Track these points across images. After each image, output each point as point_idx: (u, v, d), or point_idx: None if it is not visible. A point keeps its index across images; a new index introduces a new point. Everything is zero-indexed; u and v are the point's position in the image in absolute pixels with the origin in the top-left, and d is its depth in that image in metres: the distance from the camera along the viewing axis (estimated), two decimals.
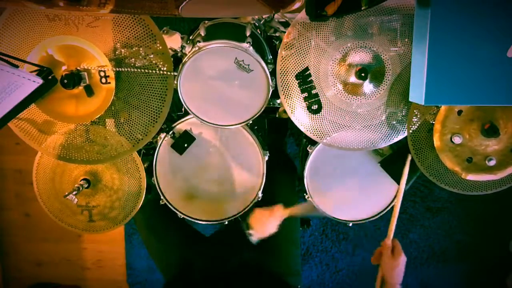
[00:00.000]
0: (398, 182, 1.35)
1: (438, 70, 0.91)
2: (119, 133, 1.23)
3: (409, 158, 1.26)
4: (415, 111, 1.20)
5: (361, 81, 1.17)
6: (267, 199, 1.42)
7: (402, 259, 1.20)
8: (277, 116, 1.72)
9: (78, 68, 1.07)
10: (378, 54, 1.16)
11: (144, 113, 1.19)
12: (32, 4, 0.94)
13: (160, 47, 1.15)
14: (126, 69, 1.14)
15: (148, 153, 1.52)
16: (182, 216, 1.40)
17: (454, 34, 0.89)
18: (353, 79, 1.17)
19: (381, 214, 1.43)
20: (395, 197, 1.42)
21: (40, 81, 0.96)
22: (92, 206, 1.39)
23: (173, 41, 1.51)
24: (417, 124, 1.21)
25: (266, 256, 1.39)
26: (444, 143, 1.17)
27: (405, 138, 1.25)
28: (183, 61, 1.20)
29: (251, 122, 1.27)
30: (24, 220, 2.46)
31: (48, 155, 1.28)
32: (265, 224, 1.27)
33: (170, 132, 1.33)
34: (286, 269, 1.42)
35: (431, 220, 2.29)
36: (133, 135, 1.22)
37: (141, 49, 1.14)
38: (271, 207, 1.31)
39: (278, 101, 1.36)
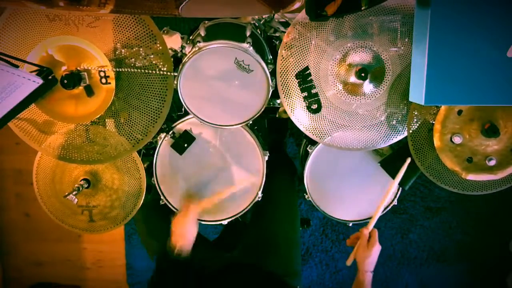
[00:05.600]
0: (398, 183, 1.35)
1: (438, 70, 0.91)
2: (119, 133, 1.23)
3: (408, 160, 1.26)
4: (415, 111, 1.20)
5: (361, 81, 1.17)
6: (267, 199, 1.43)
7: (376, 249, 1.22)
8: (277, 116, 1.72)
9: (78, 68, 1.07)
10: (378, 54, 1.16)
11: (144, 113, 1.19)
12: (32, 4, 0.94)
13: (160, 47, 1.15)
14: (126, 69, 1.14)
15: (148, 153, 1.52)
16: None
17: (454, 34, 0.89)
18: (353, 79, 1.17)
19: (381, 214, 1.43)
20: (394, 197, 1.43)
21: (40, 81, 0.96)
22: (92, 206, 1.39)
23: (173, 41, 1.51)
24: (417, 124, 1.21)
25: (266, 256, 1.39)
26: (444, 143, 1.17)
27: (405, 138, 1.25)
28: (183, 61, 1.20)
29: (251, 122, 1.27)
30: (24, 220, 2.46)
31: (48, 155, 1.28)
32: (184, 232, 1.25)
33: (170, 132, 1.33)
34: (286, 269, 1.42)
35: (431, 220, 2.29)
36: (133, 135, 1.22)
37: (141, 49, 1.14)
38: (180, 215, 1.28)
39: (278, 101, 1.36)
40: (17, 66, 0.98)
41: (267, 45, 1.49)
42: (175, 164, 1.38)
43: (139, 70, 1.15)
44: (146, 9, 0.94)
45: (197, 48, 1.19)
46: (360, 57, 1.16)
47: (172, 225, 1.28)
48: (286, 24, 1.56)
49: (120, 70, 1.13)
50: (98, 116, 1.13)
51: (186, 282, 1.23)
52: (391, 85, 1.19)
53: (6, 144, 2.36)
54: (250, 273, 1.34)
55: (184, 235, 1.26)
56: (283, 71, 1.20)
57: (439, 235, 2.31)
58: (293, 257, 1.48)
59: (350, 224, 1.48)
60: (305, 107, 1.23)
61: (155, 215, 1.50)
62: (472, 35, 0.89)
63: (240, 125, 1.27)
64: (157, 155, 1.36)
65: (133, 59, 1.15)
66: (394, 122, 1.24)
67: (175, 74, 1.17)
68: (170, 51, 1.44)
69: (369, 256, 1.22)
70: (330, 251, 2.37)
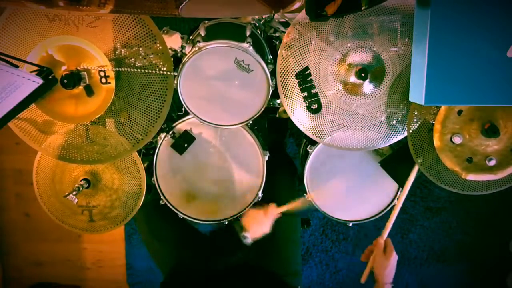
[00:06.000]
0: (398, 182, 1.35)
1: (438, 70, 0.91)
2: (119, 133, 1.23)
3: (417, 167, 1.26)
4: (415, 111, 1.20)
5: (361, 81, 1.17)
6: (267, 199, 1.42)
7: (394, 258, 1.21)
8: (277, 116, 1.72)
9: (78, 68, 1.07)
10: (378, 54, 1.16)
11: (144, 113, 1.19)
12: (32, 4, 0.94)
13: (160, 47, 1.15)
14: (126, 69, 1.14)
15: (148, 153, 1.52)
16: (182, 216, 1.40)
17: (454, 34, 0.89)
18: (353, 79, 1.17)
19: (381, 214, 1.43)
20: (394, 197, 1.42)
21: (40, 81, 0.96)
22: (93, 206, 1.39)
23: (173, 41, 1.51)
24: (417, 124, 1.21)
25: (266, 256, 1.39)
26: (444, 143, 1.17)
27: (405, 138, 1.25)
28: (183, 61, 1.20)
29: (251, 122, 1.27)
30: (24, 220, 2.46)
31: (48, 155, 1.28)
32: (259, 225, 1.27)
33: (170, 132, 1.33)
34: (286, 269, 1.42)
35: (431, 220, 2.29)
36: (133, 135, 1.22)
37: (141, 49, 1.14)
38: (264, 207, 1.31)
39: (278, 101, 1.36)
40: (17, 66, 0.98)
41: (267, 45, 1.48)
42: (175, 164, 1.38)
43: (139, 70, 1.15)
44: (146, 9, 0.94)
45: (197, 48, 1.18)
46: (360, 57, 1.16)
47: (250, 214, 1.30)
48: (286, 24, 1.56)
49: (120, 70, 1.13)
50: (98, 116, 1.13)
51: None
52: (391, 85, 1.19)
53: (6, 144, 2.36)
54: (250, 273, 1.34)
55: (258, 229, 1.27)
56: (283, 71, 1.20)
57: (439, 235, 2.31)
58: (293, 257, 1.48)
59: (350, 224, 1.48)
60: (305, 107, 1.23)
61: (155, 214, 1.50)
62: (472, 35, 0.89)
63: (240, 125, 1.27)
64: (157, 155, 1.36)
65: (133, 59, 1.15)
66: (394, 122, 1.24)
67: (175, 74, 1.17)
68: (170, 51, 1.44)
69: (387, 266, 1.19)
70: (330, 251, 2.36)
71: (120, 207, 1.39)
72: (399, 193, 1.43)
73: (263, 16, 1.55)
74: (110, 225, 1.41)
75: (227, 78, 1.21)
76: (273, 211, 1.30)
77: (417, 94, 0.95)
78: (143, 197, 1.37)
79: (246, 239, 1.26)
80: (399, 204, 1.30)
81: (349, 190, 1.44)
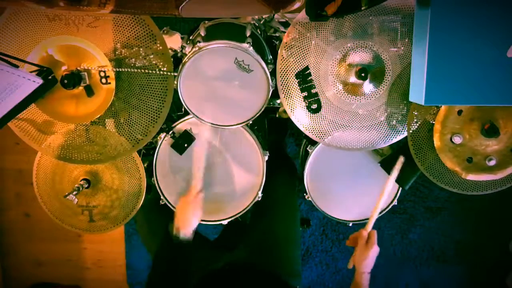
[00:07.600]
0: (398, 182, 1.35)
1: (438, 70, 0.91)
2: (119, 133, 1.23)
3: (401, 159, 1.26)
4: (415, 111, 1.20)
5: (361, 81, 1.17)
6: (267, 199, 1.43)
7: (374, 250, 1.22)
8: (277, 116, 1.72)
9: (78, 68, 1.07)
10: (378, 54, 1.16)
11: (144, 113, 1.19)
12: (33, 4, 0.94)
13: (160, 47, 1.15)
14: (126, 70, 1.14)
15: (148, 153, 1.52)
16: None
17: (454, 34, 0.89)
18: (353, 79, 1.17)
19: (381, 214, 1.43)
20: (395, 197, 1.43)
21: (40, 81, 0.96)
22: (93, 206, 1.40)
23: (173, 41, 1.51)
24: (417, 124, 1.21)
25: (265, 256, 1.39)
26: (444, 143, 1.17)
27: (405, 138, 1.25)
28: (183, 61, 1.20)
29: (251, 122, 1.27)
30: (24, 220, 2.46)
31: (48, 155, 1.28)
32: (187, 218, 1.22)
33: (170, 132, 1.33)
34: (285, 270, 1.42)
35: (431, 220, 2.29)
36: (133, 135, 1.22)
37: (141, 49, 1.14)
38: (185, 197, 1.26)
39: (278, 101, 1.36)
40: (17, 66, 0.98)
41: (267, 45, 1.49)
42: (175, 164, 1.38)
43: (139, 70, 1.15)
44: (146, 9, 0.94)
45: (197, 48, 1.19)
46: (360, 57, 1.16)
47: (176, 209, 1.26)
48: (286, 24, 1.56)
49: (120, 70, 1.13)
50: (98, 116, 1.13)
51: (187, 265, 1.21)
52: (391, 85, 1.19)
53: (6, 144, 2.36)
54: (249, 273, 1.34)
55: (186, 221, 1.23)
56: (283, 71, 1.20)
57: (439, 235, 2.31)
58: (293, 257, 1.48)
59: (350, 224, 1.48)
60: (305, 107, 1.23)
61: (155, 215, 1.50)
62: (472, 35, 0.89)
63: (240, 125, 1.27)
64: (157, 155, 1.36)
65: (133, 59, 1.15)
66: (394, 122, 1.24)
67: (175, 74, 1.17)
68: (170, 51, 1.44)
69: (366, 258, 1.21)
70: (330, 251, 2.37)
71: (120, 207, 1.39)
72: (398, 192, 1.43)
73: (263, 16, 1.55)
74: (110, 225, 1.41)
75: (227, 78, 1.21)
76: (194, 198, 1.24)
77: (417, 94, 0.95)
78: (143, 197, 1.37)
79: (183, 236, 1.21)
80: (382, 197, 1.29)
81: (349, 190, 1.44)
